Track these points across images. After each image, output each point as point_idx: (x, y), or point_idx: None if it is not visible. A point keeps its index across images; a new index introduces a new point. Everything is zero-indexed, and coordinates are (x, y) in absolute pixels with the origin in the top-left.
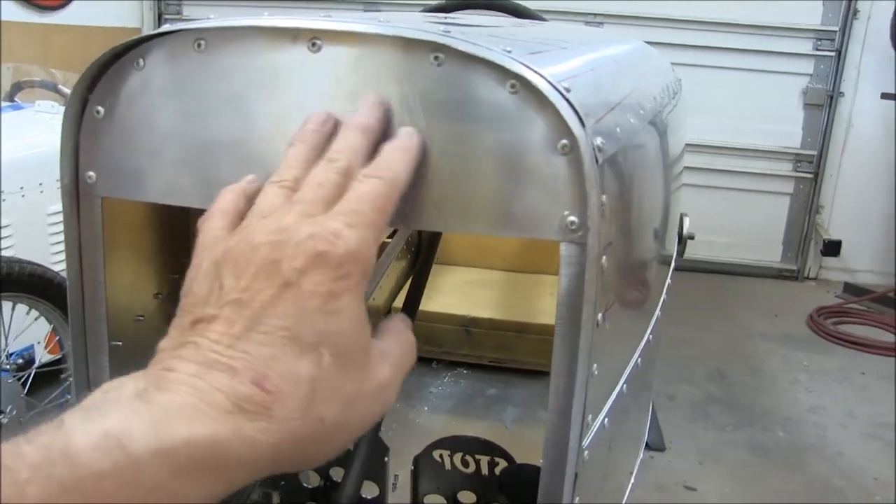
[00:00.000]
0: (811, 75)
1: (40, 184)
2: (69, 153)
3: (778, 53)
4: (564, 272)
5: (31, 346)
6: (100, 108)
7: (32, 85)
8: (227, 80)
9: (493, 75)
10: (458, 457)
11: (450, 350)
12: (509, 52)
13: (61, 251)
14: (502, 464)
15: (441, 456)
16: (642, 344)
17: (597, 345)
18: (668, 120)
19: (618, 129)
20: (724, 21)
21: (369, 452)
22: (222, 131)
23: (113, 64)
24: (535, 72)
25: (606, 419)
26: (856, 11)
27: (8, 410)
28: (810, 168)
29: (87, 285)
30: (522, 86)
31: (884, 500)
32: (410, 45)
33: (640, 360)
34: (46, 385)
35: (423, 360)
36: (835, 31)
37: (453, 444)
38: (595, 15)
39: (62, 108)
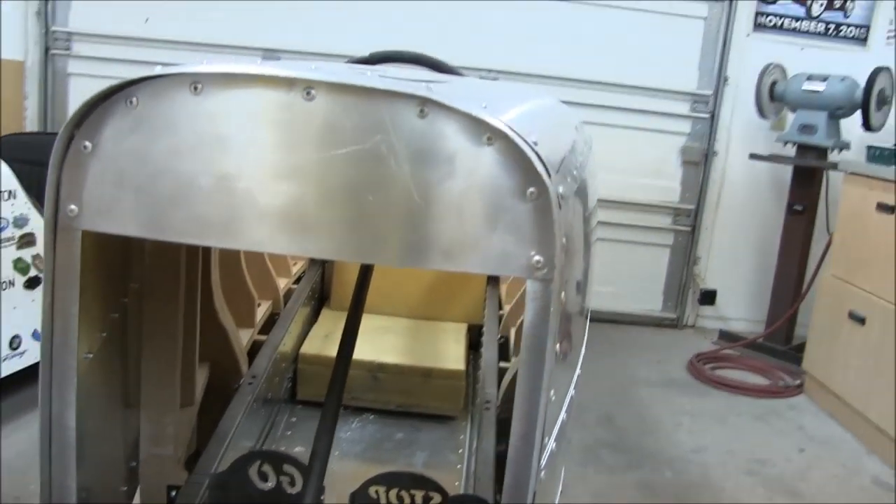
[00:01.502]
0: (688, 134)
1: None
2: (53, 187)
3: (659, 113)
4: (530, 307)
5: None
6: (87, 143)
7: None
8: (221, 121)
9: (471, 128)
10: (393, 493)
11: (357, 396)
12: (486, 107)
13: None
14: (436, 498)
15: (377, 492)
16: (575, 377)
17: (554, 373)
18: (587, 172)
19: (568, 179)
20: (608, 81)
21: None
22: (213, 170)
23: (103, 102)
24: (510, 127)
25: (554, 443)
26: (726, 78)
27: None
28: (688, 221)
29: (57, 317)
30: (497, 138)
31: None
32: (399, 98)
33: (574, 392)
34: None
35: None
36: (709, 95)
37: (388, 479)
38: (489, 70)
39: None
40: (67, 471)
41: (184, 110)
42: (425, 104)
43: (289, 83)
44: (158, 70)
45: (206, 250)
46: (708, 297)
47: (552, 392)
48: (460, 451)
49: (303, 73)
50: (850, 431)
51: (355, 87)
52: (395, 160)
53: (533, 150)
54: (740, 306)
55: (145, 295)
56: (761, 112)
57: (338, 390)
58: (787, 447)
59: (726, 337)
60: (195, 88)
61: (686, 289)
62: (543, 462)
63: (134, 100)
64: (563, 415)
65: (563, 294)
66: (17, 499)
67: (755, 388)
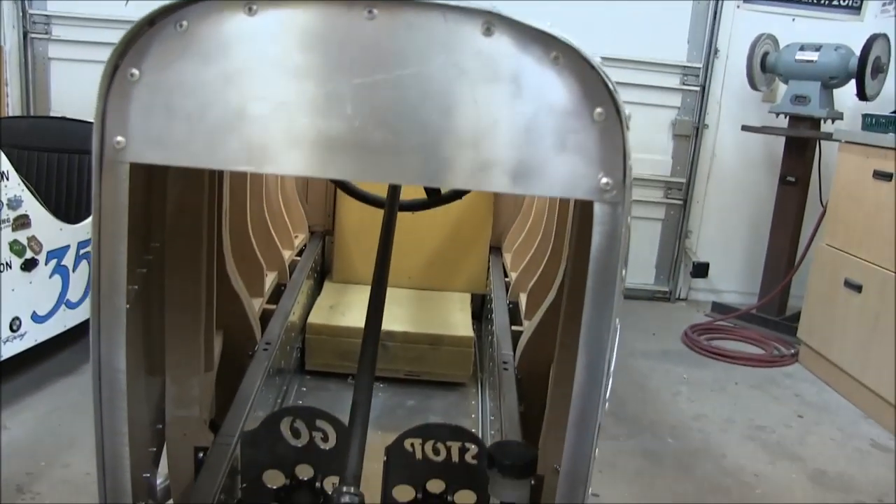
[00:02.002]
0: (679, 108)
1: None
2: (99, 119)
3: (649, 87)
4: (598, 230)
5: None
6: (134, 70)
7: None
8: (277, 43)
9: (538, 45)
10: (429, 445)
11: None
12: (551, 24)
13: None
14: (472, 449)
15: (412, 445)
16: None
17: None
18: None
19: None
20: (601, 55)
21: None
22: (269, 95)
23: (150, 27)
24: (577, 44)
25: (611, 378)
26: (716, 51)
27: None
28: (680, 195)
29: (105, 253)
30: (565, 56)
31: (764, 494)
32: (463, 14)
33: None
34: None
35: (340, 377)
36: (699, 68)
37: (424, 432)
38: None
39: None
40: (118, 415)
41: (237, 33)
42: (491, 20)
43: (349, 2)
44: None
45: (220, 218)
46: (700, 270)
47: (617, 321)
48: (472, 415)
49: None
50: (846, 398)
51: (418, 3)
52: (460, 80)
53: (601, 69)
54: (732, 279)
55: (167, 257)
56: (753, 83)
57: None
58: (785, 414)
59: (719, 309)
60: (250, 9)
61: (678, 262)
62: (608, 394)
63: (184, 23)
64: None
65: (629, 218)
66: (29, 475)
67: (751, 358)
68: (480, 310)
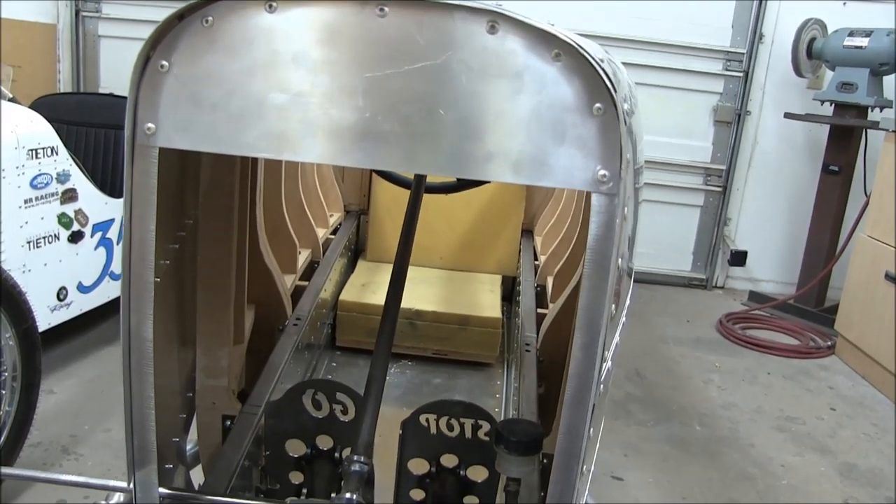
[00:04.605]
0: (721, 94)
1: None
2: (132, 107)
3: (690, 72)
4: (594, 220)
5: None
6: (164, 62)
7: None
8: (295, 38)
9: (540, 44)
10: (443, 421)
11: (396, 342)
12: (553, 24)
13: None
14: (485, 426)
15: (427, 420)
16: (624, 313)
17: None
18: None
19: (629, 102)
20: (640, 39)
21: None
22: (287, 87)
23: (179, 21)
24: (577, 43)
25: (610, 363)
26: (761, 36)
27: None
28: (719, 182)
29: (135, 231)
30: (566, 54)
31: (791, 485)
32: (470, 13)
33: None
34: None
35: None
36: (742, 53)
37: (439, 408)
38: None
39: None
40: (146, 381)
41: (258, 28)
42: (496, 19)
43: (362, 0)
44: None
45: (253, 195)
46: (738, 258)
47: (613, 307)
48: (497, 395)
49: None
50: (882, 392)
51: (427, 2)
52: (466, 75)
53: (600, 66)
54: (771, 268)
55: (199, 234)
56: (798, 70)
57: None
58: (818, 406)
59: (756, 298)
60: (270, 7)
61: (716, 249)
62: (603, 376)
63: (209, 19)
64: (617, 339)
65: (626, 209)
66: (72, 437)
67: (785, 348)
68: (511, 292)
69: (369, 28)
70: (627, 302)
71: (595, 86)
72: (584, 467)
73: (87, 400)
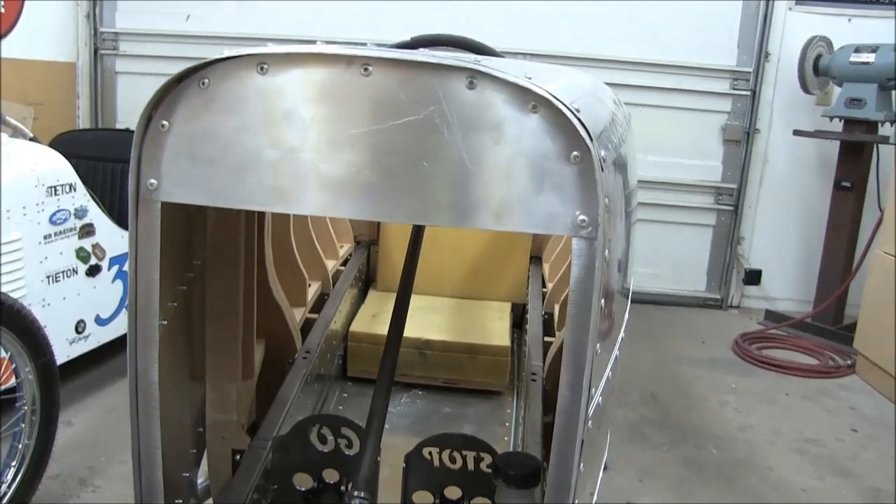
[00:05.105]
0: (729, 113)
1: None
2: (135, 164)
3: (698, 92)
4: (576, 263)
5: None
6: (164, 122)
7: None
8: (285, 97)
9: (517, 97)
10: (446, 454)
11: (405, 372)
12: (530, 78)
13: (10, 280)
14: (487, 459)
15: (430, 453)
16: (616, 349)
17: (599, 327)
18: (627, 147)
19: (609, 146)
20: (647, 61)
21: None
22: (279, 143)
23: (178, 84)
24: (553, 94)
25: (601, 398)
26: (767, 54)
27: None
28: (731, 201)
29: (141, 281)
30: (542, 105)
31: None
32: (449, 70)
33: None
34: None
35: None
36: (749, 72)
37: (441, 441)
38: (528, 54)
39: (10, 139)
40: (152, 421)
41: (251, 89)
42: (474, 76)
43: (347, 60)
44: (227, 52)
45: (261, 232)
46: (753, 277)
47: (598, 345)
48: (507, 424)
49: (360, 50)
50: None
51: (408, 61)
52: (447, 129)
53: (575, 115)
54: (787, 286)
55: (208, 273)
56: (805, 87)
57: (391, 358)
58: (839, 427)
59: (772, 317)
60: (262, 69)
61: (730, 269)
62: (591, 412)
63: (206, 81)
64: (608, 373)
65: (606, 252)
66: (90, 468)
67: (803, 368)
68: (521, 319)
69: (355, 87)
70: (626, 319)
71: (571, 135)
72: (577, 501)
73: (104, 431)
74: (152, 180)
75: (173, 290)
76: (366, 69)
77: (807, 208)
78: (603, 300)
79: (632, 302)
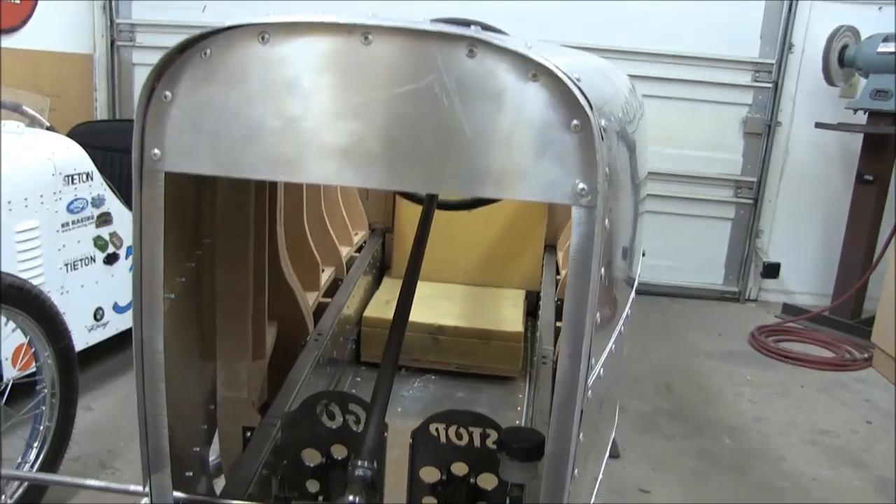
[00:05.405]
0: (750, 105)
1: (9, 202)
2: (139, 135)
3: (719, 84)
4: (576, 232)
5: None
6: (167, 93)
7: None
8: (287, 67)
9: (517, 65)
10: (452, 430)
11: (418, 357)
12: (530, 47)
13: (29, 268)
14: (493, 435)
15: (437, 430)
16: (620, 324)
17: (599, 296)
18: (636, 130)
19: (612, 118)
20: (668, 53)
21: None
22: (281, 112)
23: (180, 55)
24: (553, 63)
25: (602, 368)
26: (791, 45)
27: None
28: (750, 194)
29: (145, 250)
30: (542, 74)
31: (822, 499)
32: (449, 39)
33: (619, 335)
34: (24, 396)
35: None
36: (772, 64)
37: (448, 417)
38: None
39: (27, 129)
40: (157, 389)
41: (253, 59)
42: (474, 44)
43: (348, 29)
44: (229, 22)
45: (272, 214)
46: (771, 271)
47: (598, 315)
48: (518, 408)
49: (361, 18)
50: None
51: (409, 30)
52: (447, 97)
53: (576, 84)
54: (805, 280)
55: (217, 252)
56: (829, 79)
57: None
58: (853, 419)
59: (790, 310)
60: (263, 38)
61: (748, 262)
62: (591, 381)
63: (207, 51)
64: (610, 346)
65: (606, 221)
66: (109, 452)
67: (820, 361)
68: (535, 308)
69: (356, 55)
70: (627, 311)
71: (571, 103)
72: (576, 471)
73: (122, 417)
74: (156, 150)
75: (181, 266)
76: (366, 38)
77: (827, 202)
78: (603, 269)
79: (649, 294)
